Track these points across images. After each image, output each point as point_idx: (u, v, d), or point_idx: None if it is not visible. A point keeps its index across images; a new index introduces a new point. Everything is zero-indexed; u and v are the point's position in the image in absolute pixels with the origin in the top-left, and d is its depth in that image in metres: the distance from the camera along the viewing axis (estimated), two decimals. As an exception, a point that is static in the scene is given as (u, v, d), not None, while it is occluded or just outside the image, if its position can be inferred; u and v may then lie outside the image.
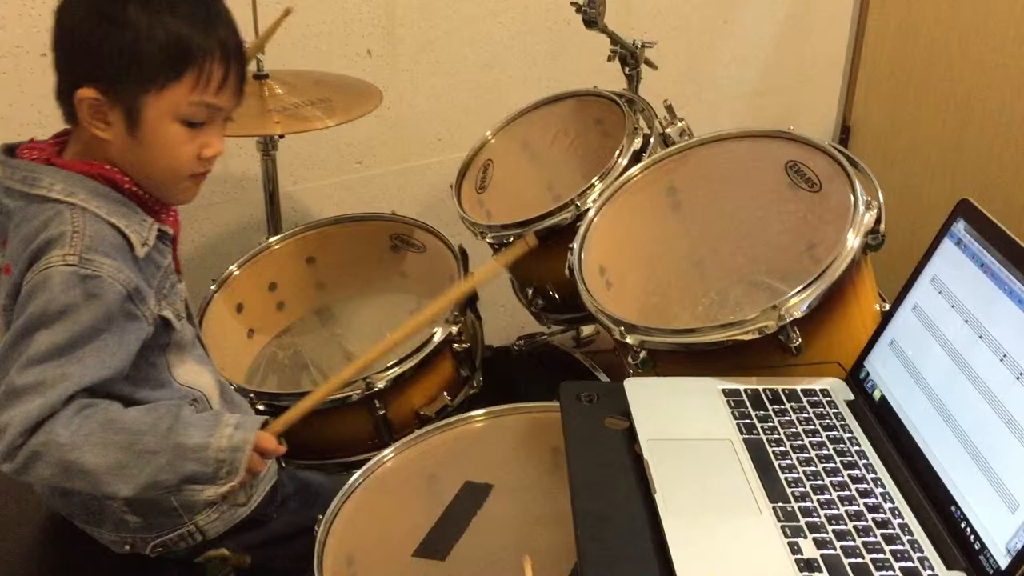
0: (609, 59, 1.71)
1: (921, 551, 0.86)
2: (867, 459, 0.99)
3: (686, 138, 1.50)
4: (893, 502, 0.93)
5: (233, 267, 1.63)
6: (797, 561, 0.84)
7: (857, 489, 0.94)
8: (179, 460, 0.99)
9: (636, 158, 1.46)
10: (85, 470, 0.97)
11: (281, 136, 1.68)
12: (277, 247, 1.69)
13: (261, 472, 1.09)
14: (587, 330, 1.81)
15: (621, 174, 1.43)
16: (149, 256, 1.08)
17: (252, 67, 1.63)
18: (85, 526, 1.20)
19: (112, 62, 1.00)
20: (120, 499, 1.14)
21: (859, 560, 0.85)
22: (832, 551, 0.86)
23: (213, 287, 1.59)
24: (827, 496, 0.93)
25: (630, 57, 1.69)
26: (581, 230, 1.37)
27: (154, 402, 1.06)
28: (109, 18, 1.00)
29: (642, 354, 1.19)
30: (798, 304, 1.11)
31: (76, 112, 1.03)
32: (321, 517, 1.09)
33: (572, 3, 1.63)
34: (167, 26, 1.00)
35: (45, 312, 0.98)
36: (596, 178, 1.44)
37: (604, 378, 1.65)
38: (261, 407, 1.39)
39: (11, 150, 1.07)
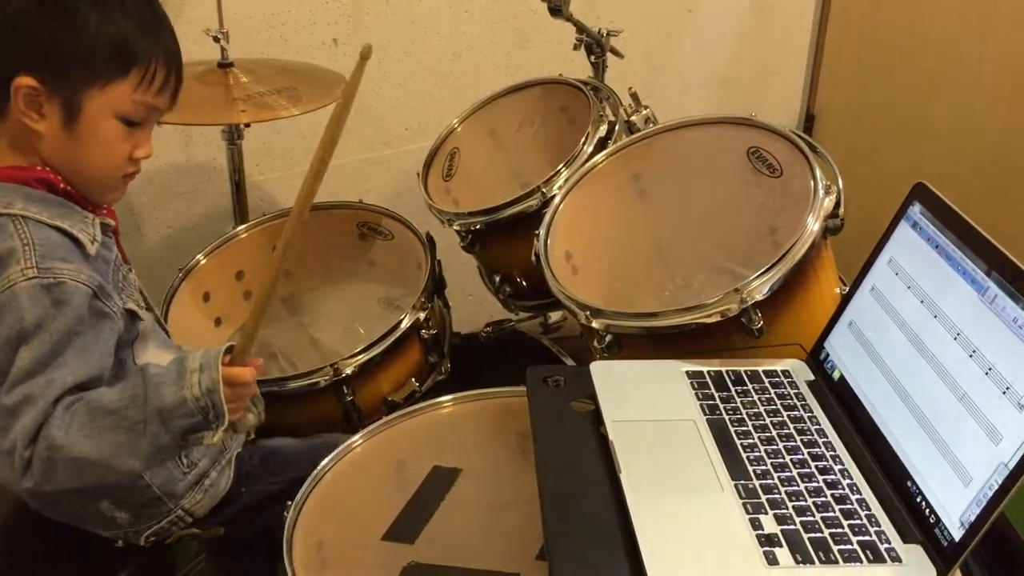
0: (575, 47, 1.72)
1: (878, 525, 0.89)
2: (826, 437, 1.01)
3: (651, 126, 1.51)
4: (851, 478, 0.95)
5: (200, 256, 1.63)
6: (758, 536, 0.86)
7: (817, 466, 0.96)
8: (167, 421, 0.98)
9: (601, 145, 1.47)
10: (92, 461, 0.97)
11: (247, 125, 1.67)
12: (244, 236, 1.68)
13: (252, 393, 1.07)
14: (554, 316, 1.82)
15: (586, 161, 1.44)
16: (98, 253, 1.07)
17: (216, 55, 1.62)
18: (80, 525, 1.20)
19: (59, 54, 1.00)
20: (106, 496, 1.14)
21: (818, 535, 0.87)
22: (792, 526, 0.87)
23: (180, 275, 1.58)
24: (787, 473, 0.95)
25: (596, 45, 1.70)
26: (547, 217, 1.38)
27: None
28: (60, 10, 1.00)
29: (608, 338, 1.20)
30: (759, 287, 1.12)
31: (8, 101, 1.01)
32: (290, 503, 1.09)
33: (537, -9, 1.63)
34: (118, 24, 1.02)
35: (21, 330, 0.98)
36: (562, 165, 1.45)
37: (571, 363, 1.67)
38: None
39: None
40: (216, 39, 1.61)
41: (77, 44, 1.01)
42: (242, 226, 1.69)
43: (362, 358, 1.41)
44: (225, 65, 1.61)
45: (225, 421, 1.00)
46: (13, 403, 0.97)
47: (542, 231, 1.36)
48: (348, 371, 1.39)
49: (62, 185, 1.06)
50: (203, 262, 1.63)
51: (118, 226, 1.16)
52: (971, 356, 0.89)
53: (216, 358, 1.01)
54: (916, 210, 1.04)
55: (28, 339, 0.98)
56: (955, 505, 0.85)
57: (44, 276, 0.99)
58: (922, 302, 0.98)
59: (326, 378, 1.39)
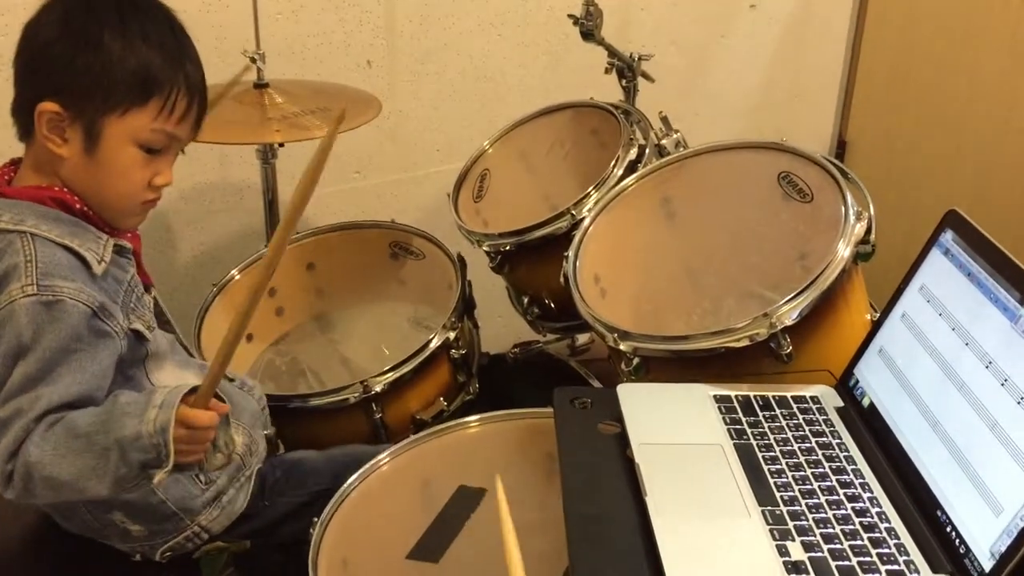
0: (606, 71, 1.73)
1: (907, 554, 0.88)
2: (855, 464, 1.00)
3: (681, 149, 1.52)
4: (880, 506, 0.94)
5: (235, 271, 1.65)
6: (785, 563, 0.85)
7: (845, 494, 0.95)
8: (126, 452, 0.98)
9: (631, 168, 1.48)
10: (63, 481, 0.98)
11: (281, 144, 1.69)
12: (277, 253, 1.70)
13: (209, 437, 1.02)
14: (582, 338, 1.82)
15: (616, 184, 1.45)
16: (108, 273, 1.08)
17: (253, 76, 1.65)
18: (96, 537, 1.21)
19: (81, 80, 1.03)
20: (119, 508, 1.15)
21: (846, 563, 0.86)
22: (819, 554, 0.87)
23: (214, 291, 1.60)
24: (815, 500, 0.94)
25: (627, 69, 1.71)
26: (576, 239, 1.38)
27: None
28: (85, 39, 1.03)
29: (635, 361, 1.20)
30: (789, 312, 1.12)
31: (33, 126, 1.04)
32: (316, 520, 1.10)
33: (570, 16, 1.65)
34: (139, 53, 1.04)
35: (19, 345, 1.00)
36: (592, 188, 1.46)
37: (598, 385, 1.66)
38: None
39: None
40: (253, 60, 1.63)
41: (98, 71, 1.02)
42: (275, 244, 1.71)
43: (391, 376, 1.41)
44: (261, 86, 1.64)
45: (170, 463, 0.98)
46: (5, 416, 0.99)
47: (571, 253, 1.36)
48: (377, 388, 1.40)
49: (78, 206, 1.08)
50: (237, 278, 1.65)
51: (139, 247, 1.17)
52: (1003, 385, 0.88)
53: (176, 396, 0.99)
54: (948, 237, 1.03)
55: (23, 355, 1.00)
56: (985, 535, 0.84)
57: (43, 294, 1.01)
58: (953, 329, 0.98)
59: (355, 395, 1.40)
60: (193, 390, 1.01)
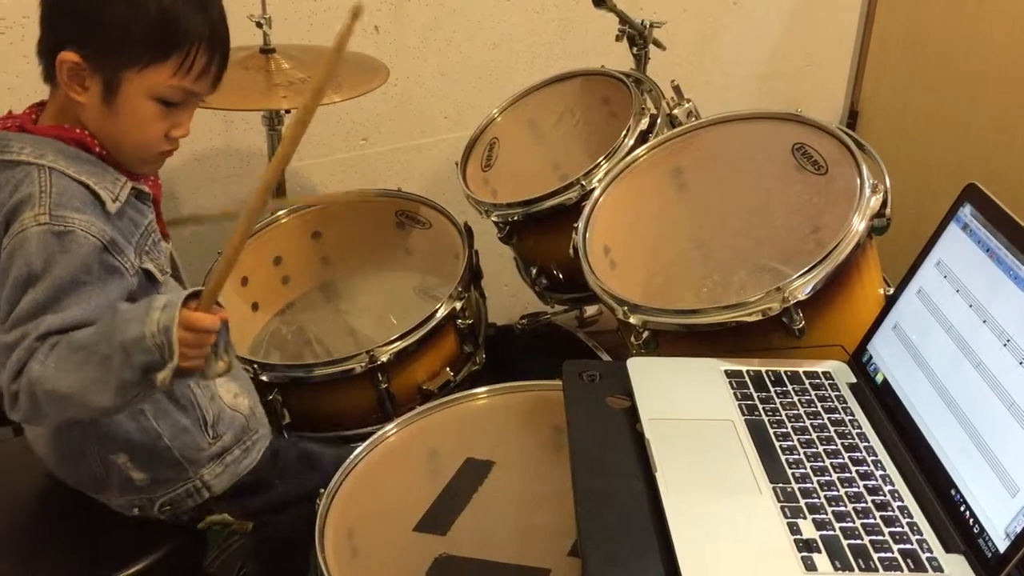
0: (617, 39, 1.70)
1: (920, 533, 0.87)
2: (868, 442, 0.99)
3: (693, 119, 1.49)
4: (893, 484, 0.93)
5: (239, 239, 1.63)
6: (796, 541, 0.85)
7: (857, 471, 0.94)
8: (129, 355, 0.98)
9: (642, 138, 1.46)
10: (65, 394, 0.99)
11: (287, 111, 1.67)
12: (284, 220, 1.69)
13: (211, 340, 1.02)
14: (590, 310, 1.81)
15: (627, 154, 1.43)
16: (123, 213, 1.09)
17: (259, 40, 1.62)
18: (94, 494, 1.22)
19: (103, 33, 1.02)
20: (123, 450, 1.15)
21: (858, 541, 0.85)
22: (831, 532, 0.86)
23: (219, 258, 1.59)
24: (827, 478, 0.93)
25: (638, 37, 1.68)
26: (586, 210, 1.37)
27: None
28: None
29: (645, 334, 1.19)
30: (802, 286, 1.10)
31: (55, 72, 1.04)
32: (323, 491, 1.09)
33: (581, -19, 1.62)
34: (163, 6, 1.02)
35: (29, 273, 1.00)
36: (602, 158, 1.44)
37: (607, 358, 1.65)
38: (264, 378, 1.40)
39: None
40: (259, 24, 1.61)
41: (120, 24, 1.02)
42: (281, 211, 1.70)
43: (398, 346, 1.40)
44: (267, 51, 1.62)
45: (174, 360, 0.97)
46: (12, 340, 1.00)
47: (581, 224, 1.35)
48: (384, 358, 1.39)
49: (96, 148, 1.08)
50: (242, 245, 1.63)
51: (159, 196, 1.17)
52: (1021, 363, 0.87)
53: (179, 299, 1.00)
54: (966, 211, 1.01)
55: (33, 283, 1.00)
56: (1000, 515, 0.83)
57: (55, 223, 1.01)
58: (971, 306, 0.96)
59: (362, 365, 1.39)
60: (194, 295, 1.01)
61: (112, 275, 1.05)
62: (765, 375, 1.09)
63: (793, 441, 0.98)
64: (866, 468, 0.95)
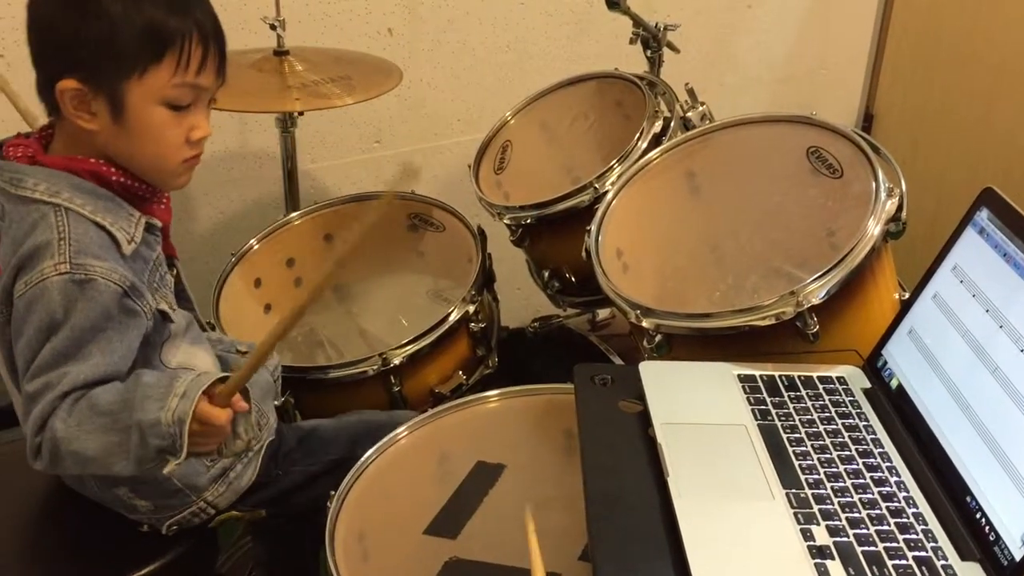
0: (631, 42, 1.69)
1: (935, 540, 0.86)
2: (882, 448, 0.98)
3: (707, 122, 1.49)
4: (908, 491, 0.92)
5: (253, 241, 1.64)
6: (809, 548, 0.84)
7: (872, 477, 0.94)
8: (145, 436, 0.98)
9: (656, 141, 1.45)
10: (88, 457, 0.99)
11: (300, 113, 1.68)
12: (297, 223, 1.69)
13: (223, 436, 1.02)
14: (602, 313, 1.81)
15: (640, 157, 1.42)
16: (137, 252, 1.08)
17: (273, 43, 1.63)
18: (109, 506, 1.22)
19: (90, 51, 1.00)
20: (124, 483, 1.16)
21: (872, 548, 0.84)
22: (845, 539, 0.85)
23: (232, 260, 1.60)
24: (841, 484, 0.92)
25: (652, 40, 1.68)
26: (599, 213, 1.36)
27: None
28: (85, 8, 1.00)
29: (657, 338, 1.18)
30: (816, 291, 1.10)
31: (59, 105, 1.02)
32: (333, 493, 1.09)
33: (595, -16, 1.62)
34: (142, 11, 1.01)
35: (51, 322, 1.00)
36: (615, 161, 1.43)
37: (619, 362, 1.65)
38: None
39: None
40: (273, 27, 1.61)
41: (104, 39, 1.00)
42: (295, 213, 1.70)
43: (411, 349, 1.40)
44: (281, 53, 1.62)
45: (183, 455, 0.98)
46: (33, 391, 1.00)
47: (593, 227, 1.34)
48: (396, 361, 1.39)
49: (115, 178, 1.06)
50: (256, 247, 1.64)
51: (169, 224, 1.16)
52: (1038, 369, 0.86)
53: (198, 390, 0.98)
54: (983, 216, 1.00)
55: (55, 332, 1.00)
56: (1016, 522, 0.82)
57: (76, 272, 1.00)
58: (987, 311, 0.95)
59: (374, 367, 1.39)
60: (221, 379, 1.00)
61: (132, 318, 1.05)
62: (778, 380, 1.08)
63: (806, 446, 0.97)
64: (880, 474, 0.94)
